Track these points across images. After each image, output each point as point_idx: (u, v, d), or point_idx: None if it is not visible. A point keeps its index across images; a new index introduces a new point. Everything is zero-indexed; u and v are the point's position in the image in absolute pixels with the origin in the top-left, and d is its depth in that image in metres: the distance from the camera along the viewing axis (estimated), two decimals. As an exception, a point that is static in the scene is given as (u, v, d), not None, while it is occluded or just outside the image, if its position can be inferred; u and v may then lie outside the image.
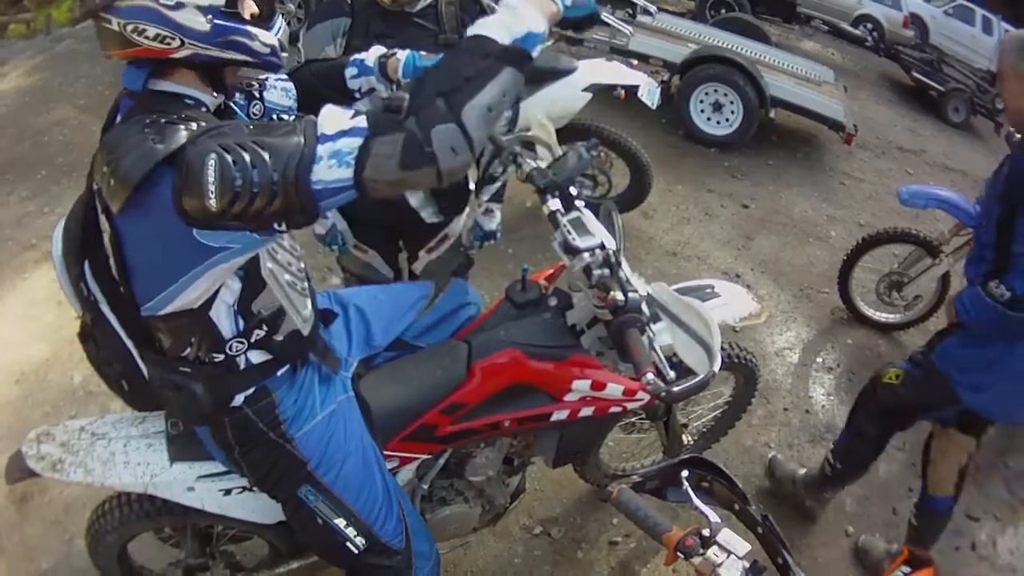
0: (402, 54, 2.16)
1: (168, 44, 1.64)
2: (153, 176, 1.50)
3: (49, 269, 4.69)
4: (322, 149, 1.52)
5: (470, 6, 3.00)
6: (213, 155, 1.48)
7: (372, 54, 2.20)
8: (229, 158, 1.48)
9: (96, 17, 1.64)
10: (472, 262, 3.53)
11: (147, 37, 1.62)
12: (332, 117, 1.57)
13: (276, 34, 1.81)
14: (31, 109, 7.05)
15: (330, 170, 1.52)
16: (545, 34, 1.69)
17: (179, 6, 1.62)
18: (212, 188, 1.47)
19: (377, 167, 1.52)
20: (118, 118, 1.77)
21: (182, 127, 1.57)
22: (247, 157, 1.49)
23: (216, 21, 1.67)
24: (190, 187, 1.48)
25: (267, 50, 1.79)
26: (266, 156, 1.50)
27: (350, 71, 2.16)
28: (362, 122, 1.54)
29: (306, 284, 2.08)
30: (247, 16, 1.74)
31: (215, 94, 1.84)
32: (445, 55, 1.70)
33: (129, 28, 1.61)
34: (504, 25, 1.62)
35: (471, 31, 1.65)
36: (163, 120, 1.60)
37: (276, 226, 1.58)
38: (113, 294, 1.86)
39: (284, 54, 1.85)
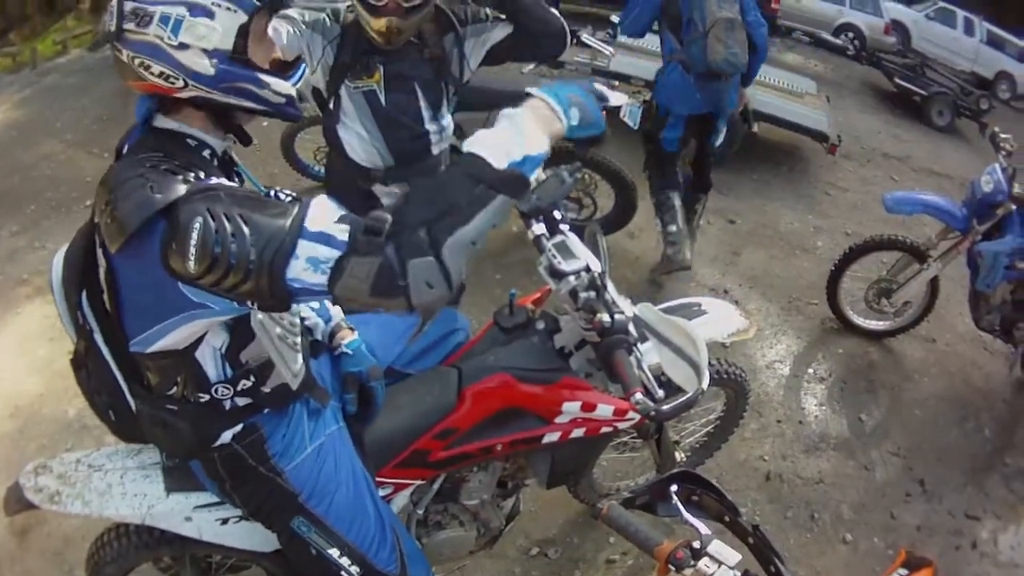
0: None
1: (172, 83, 1.66)
2: (148, 224, 1.51)
3: (41, 304, 4.70)
4: (301, 247, 1.48)
5: (445, 22, 3.04)
6: (199, 219, 1.48)
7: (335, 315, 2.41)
8: (213, 225, 1.47)
9: (112, 45, 1.67)
10: (464, 287, 3.54)
11: (152, 73, 1.65)
12: (321, 212, 1.52)
13: (295, 83, 1.79)
14: (18, 143, 7.07)
15: (306, 272, 1.48)
16: (546, 155, 1.63)
17: (183, 47, 1.63)
18: (192, 251, 1.47)
19: (348, 287, 1.49)
20: (126, 148, 1.79)
21: (180, 178, 1.57)
22: (229, 228, 1.47)
23: (221, 66, 1.66)
24: (175, 245, 1.49)
25: (281, 100, 1.77)
26: (247, 232, 1.47)
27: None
28: (343, 234, 1.49)
29: (298, 339, 2.06)
30: (264, 63, 1.75)
31: (224, 137, 1.84)
32: (439, 175, 1.65)
33: (136, 62, 1.64)
34: (503, 147, 1.58)
35: (468, 147, 1.59)
36: (163, 167, 1.60)
37: (248, 305, 1.58)
38: (107, 326, 1.87)
39: (304, 104, 1.86)
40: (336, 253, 1.48)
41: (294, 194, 1.74)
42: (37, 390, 4.14)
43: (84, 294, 1.87)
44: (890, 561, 1.64)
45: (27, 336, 4.56)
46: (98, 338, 1.90)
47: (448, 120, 3.26)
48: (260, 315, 1.86)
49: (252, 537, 2.30)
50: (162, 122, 1.76)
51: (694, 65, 4.90)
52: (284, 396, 2.04)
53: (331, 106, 3.14)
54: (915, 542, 3.79)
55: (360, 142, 3.16)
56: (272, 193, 1.78)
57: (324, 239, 1.48)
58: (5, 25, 11.28)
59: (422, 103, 3.09)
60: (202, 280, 1.50)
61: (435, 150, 3.17)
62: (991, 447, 4.58)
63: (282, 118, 1.86)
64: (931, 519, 3.98)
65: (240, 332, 1.84)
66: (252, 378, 1.92)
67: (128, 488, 2.18)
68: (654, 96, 5.43)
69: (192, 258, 1.47)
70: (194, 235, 1.47)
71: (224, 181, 1.66)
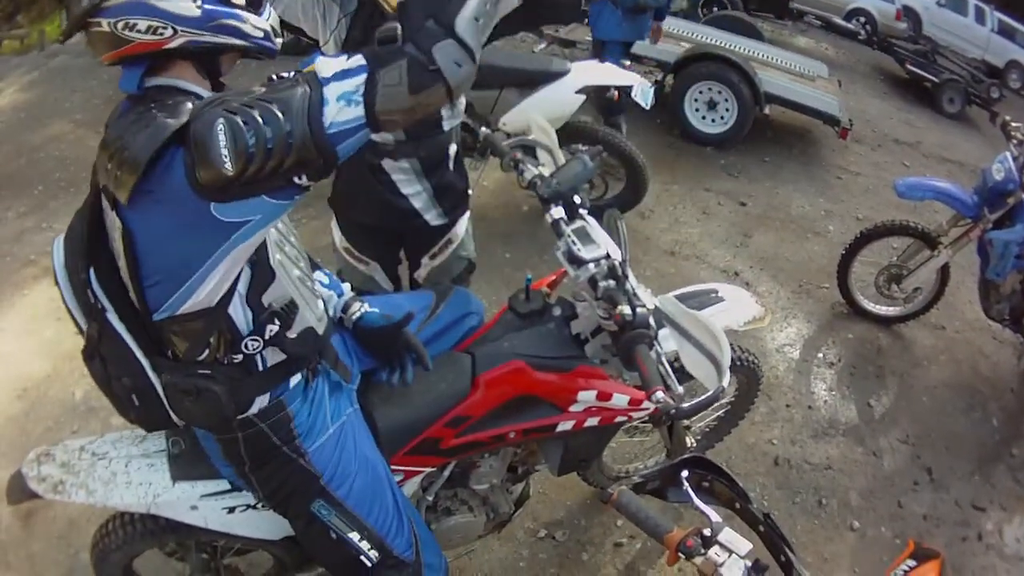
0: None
1: (161, 35, 1.64)
2: (163, 158, 1.51)
3: (48, 285, 4.66)
4: (328, 91, 1.52)
5: None
6: (220, 120, 1.47)
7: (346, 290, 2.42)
8: (239, 119, 1.47)
9: (85, 25, 1.64)
10: (474, 267, 3.51)
11: (139, 31, 1.62)
12: (328, 63, 1.58)
13: (266, 19, 1.81)
14: (27, 125, 7.04)
15: (340, 111, 1.52)
16: None
17: None
18: (226, 153, 1.45)
19: (387, 97, 1.54)
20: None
21: (188, 103, 1.59)
22: (257, 115, 1.48)
23: (206, 6, 1.67)
24: (203, 158, 1.47)
25: (260, 34, 1.79)
26: (276, 110, 1.49)
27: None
28: (360, 60, 1.56)
29: (316, 286, 2.08)
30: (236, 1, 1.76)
31: (212, 90, 1.82)
32: None
33: (120, 25, 1.61)
34: None
35: None
36: (169, 101, 1.61)
37: (296, 180, 1.57)
38: (121, 301, 1.83)
39: (278, 39, 1.86)
40: (362, 76, 1.54)
41: (293, 71, 1.74)
42: (44, 372, 4.15)
43: (93, 272, 1.83)
44: (897, 550, 1.63)
45: (34, 317, 4.56)
46: (112, 317, 1.85)
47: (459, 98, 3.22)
48: (278, 255, 1.86)
49: (259, 525, 2.29)
50: (153, 80, 1.74)
51: (623, 2, 6.30)
52: (312, 342, 2.02)
53: None
54: (922, 532, 3.79)
55: None
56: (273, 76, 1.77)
57: (345, 74, 1.55)
58: (13, 8, 11.25)
59: None
60: (243, 177, 1.49)
61: (445, 126, 3.13)
62: (998, 437, 4.57)
63: (262, 54, 1.85)
64: (938, 509, 3.98)
65: (260, 274, 1.82)
66: (277, 322, 1.89)
67: (133, 477, 2.16)
68: (593, 33, 6.78)
69: (227, 160, 1.46)
70: (221, 137, 1.46)
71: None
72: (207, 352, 1.84)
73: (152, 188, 1.54)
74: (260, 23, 1.79)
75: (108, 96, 7.43)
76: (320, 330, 2.05)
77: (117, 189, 1.57)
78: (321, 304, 2.09)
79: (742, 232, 6.35)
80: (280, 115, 1.49)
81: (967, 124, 11.76)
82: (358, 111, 1.53)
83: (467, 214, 3.34)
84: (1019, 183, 4.38)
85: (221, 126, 1.46)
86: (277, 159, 1.49)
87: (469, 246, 3.40)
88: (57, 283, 1.92)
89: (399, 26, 1.58)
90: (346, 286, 2.46)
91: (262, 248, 1.79)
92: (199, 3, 1.66)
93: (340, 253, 3.30)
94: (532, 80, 5.11)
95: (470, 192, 3.35)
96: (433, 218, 3.11)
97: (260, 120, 1.47)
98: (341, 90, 1.53)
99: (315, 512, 2.10)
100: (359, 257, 3.27)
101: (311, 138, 1.50)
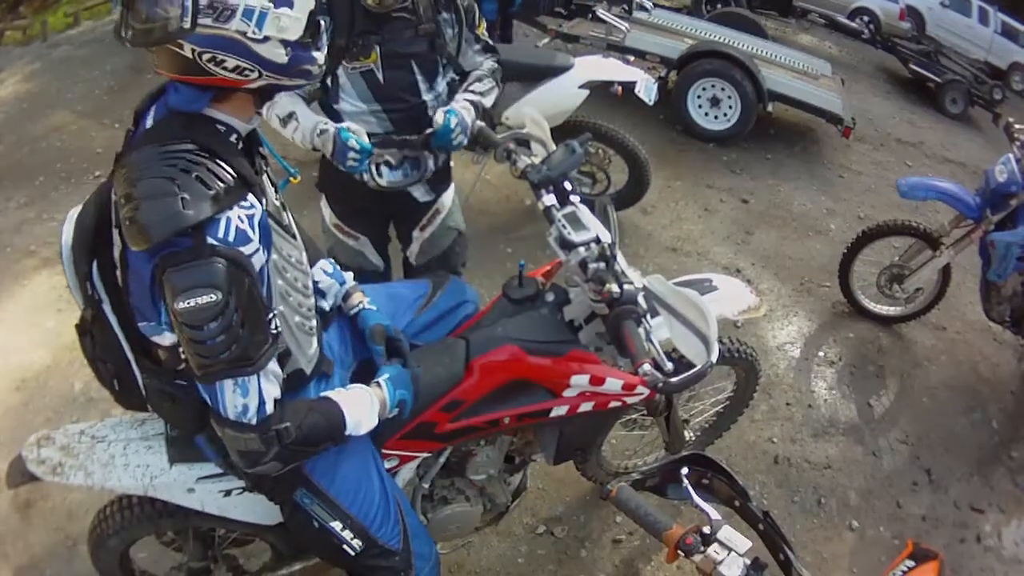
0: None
1: (246, 76, 1.64)
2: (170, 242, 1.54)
3: (49, 275, 4.69)
4: (253, 382, 1.73)
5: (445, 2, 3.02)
6: (213, 294, 1.57)
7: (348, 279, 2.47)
8: (218, 308, 1.59)
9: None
10: (464, 238, 3.53)
11: (225, 68, 1.61)
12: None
13: (323, 54, 1.81)
14: (28, 116, 7.03)
15: (237, 395, 1.72)
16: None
17: (265, 40, 1.61)
18: (187, 304, 1.57)
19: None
20: (148, 121, 1.75)
21: (211, 193, 1.57)
22: (223, 323, 1.60)
23: (293, 52, 1.67)
24: (179, 278, 1.57)
25: (319, 72, 1.80)
26: (241, 332, 1.65)
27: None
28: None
29: (313, 323, 2.07)
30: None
31: (251, 119, 1.82)
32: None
33: (205, 57, 1.58)
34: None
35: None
36: (194, 173, 1.58)
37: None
38: (117, 299, 1.85)
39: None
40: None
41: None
42: (44, 363, 4.14)
43: (95, 265, 1.84)
44: (896, 551, 1.63)
45: (34, 308, 4.55)
46: (107, 308, 1.87)
47: (443, 86, 3.24)
48: (282, 307, 1.88)
49: (255, 510, 2.29)
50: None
51: None
52: (298, 380, 2.04)
53: (328, 83, 3.12)
54: (920, 533, 3.78)
55: (361, 115, 3.14)
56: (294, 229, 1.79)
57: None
58: (16, -2, 11.25)
59: (419, 78, 3.08)
60: (174, 325, 1.62)
61: (431, 114, 3.17)
62: (997, 439, 4.56)
63: (303, 86, 1.89)
64: (936, 510, 3.97)
65: None
66: None
67: (131, 459, 2.17)
68: None
69: (181, 306, 1.56)
70: (201, 299, 1.56)
71: (250, 234, 1.67)
72: (185, 365, 1.83)
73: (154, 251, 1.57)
74: (321, 60, 1.78)
75: (110, 87, 7.45)
76: (308, 371, 2.07)
77: (129, 238, 1.58)
78: (315, 343, 2.10)
79: (744, 229, 6.34)
80: (233, 345, 1.65)
81: (970, 125, 11.74)
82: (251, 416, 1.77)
83: (452, 186, 3.40)
84: (1022, 185, 4.37)
85: (209, 298, 1.58)
86: (197, 353, 1.65)
87: (457, 216, 3.46)
88: (63, 260, 1.92)
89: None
90: (348, 275, 2.48)
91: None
92: (288, 50, 1.66)
93: (330, 230, 3.34)
94: (535, 74, 5.12)
95: (452, 165, 3.37)
96: (421, 195, 3.20)
97: (222, 329, 1.62)
98: (249, 400, 1.75)
99: (297, 501, 2.11)
100: (349, 232, 3.31)
101: (225, 366, 1.68)
